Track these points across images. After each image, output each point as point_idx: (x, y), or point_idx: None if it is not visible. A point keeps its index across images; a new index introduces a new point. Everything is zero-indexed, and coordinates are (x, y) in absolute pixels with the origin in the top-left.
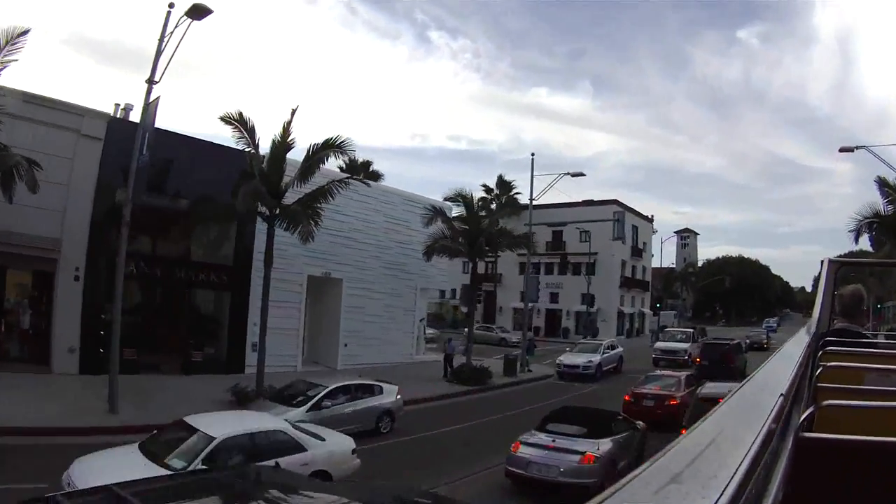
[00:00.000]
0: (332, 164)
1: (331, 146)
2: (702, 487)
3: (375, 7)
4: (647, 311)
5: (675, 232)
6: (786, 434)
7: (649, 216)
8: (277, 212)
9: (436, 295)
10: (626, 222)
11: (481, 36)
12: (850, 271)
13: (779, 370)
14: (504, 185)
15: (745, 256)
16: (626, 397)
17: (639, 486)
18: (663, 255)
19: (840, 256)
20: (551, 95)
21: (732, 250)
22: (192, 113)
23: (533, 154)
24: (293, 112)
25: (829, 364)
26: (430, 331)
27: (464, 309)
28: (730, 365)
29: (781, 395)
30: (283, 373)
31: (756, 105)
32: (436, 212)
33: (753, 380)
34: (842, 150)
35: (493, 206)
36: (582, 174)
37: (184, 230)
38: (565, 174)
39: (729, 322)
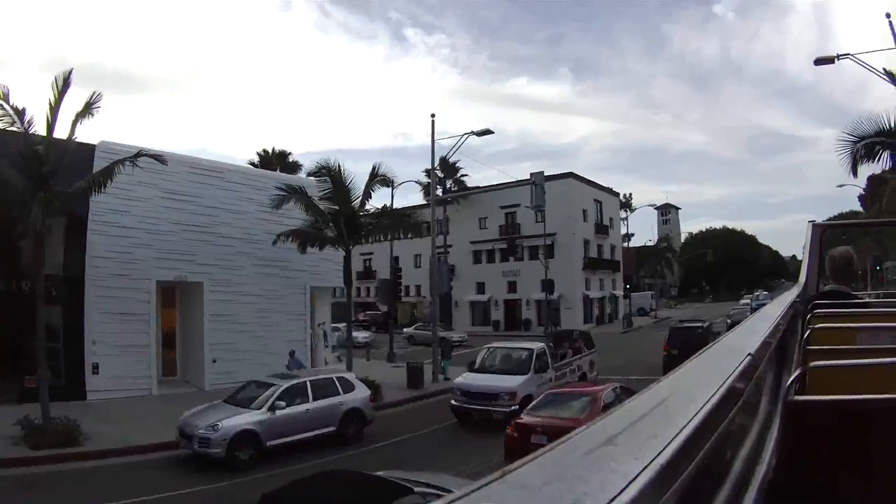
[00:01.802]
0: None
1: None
2: (637, 448)
3: (349, 9)
4: (620, 293)
5: (654, 208)
6: (776, 398)
7: (617, 191)
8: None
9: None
10: (570, 191)
11: (457, 30)
12: (841, 234)
13: (751, 331)
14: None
15: (731, 228)
16: (509, 429)
17: (569, 448)
18: (651, 233)
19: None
20: (531, 84)
21: (722, 224)
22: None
23: (433, 115)
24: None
25: (818, 326)
26: (363, 334)
27: (382, 307)
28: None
29: (749, 354)
30: (133, 398)
31: (737, 79)
32: (291, 191)
33: (721, 342)
34: (817, 61)
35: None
36: (489, 132)
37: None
38: (470, 133)
39: (718, 298)
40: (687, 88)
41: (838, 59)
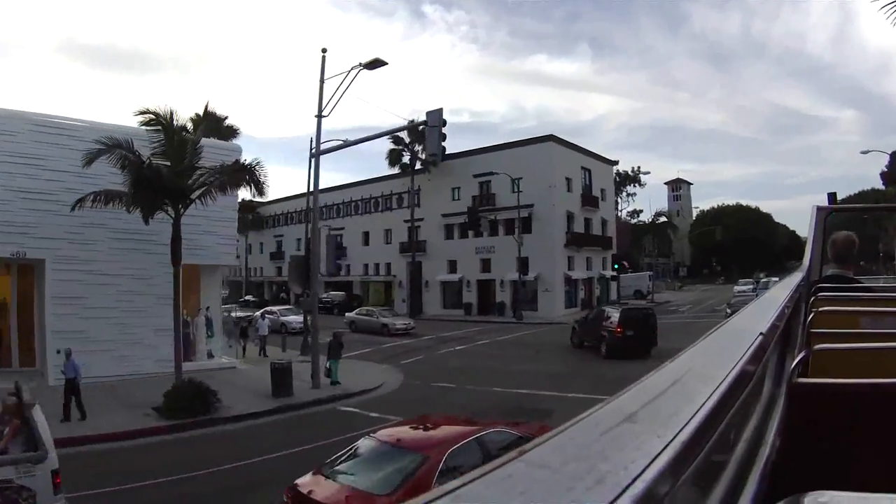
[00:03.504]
0: None
1: None
2: (659, 426)
3: None
4: (612, 273)
5: (664, 183)
6: (780, 381)
7: (613, 159)
8: None
9: (230, 273)
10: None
11: (476, 6)
12: (846, 218)
13: (761, 312)
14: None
15: (744, 204)
16: (286, 494)
17: (588, 426)
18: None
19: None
20: (550, 61)
21: (737, 202)
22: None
23: (325, 50)
24: None
25: (821, 309)
26: (297, 318)
27: (296, 290)
28: (654, 333)
29: (761, 334)
30: None
31: (757, 58)
32: (111, 145)
33: (731, 322)
34: None
35: None
36: (382, 63)
37: None
38: (359, 66)
39: (730, 279)
40: (706, 67)
41: None
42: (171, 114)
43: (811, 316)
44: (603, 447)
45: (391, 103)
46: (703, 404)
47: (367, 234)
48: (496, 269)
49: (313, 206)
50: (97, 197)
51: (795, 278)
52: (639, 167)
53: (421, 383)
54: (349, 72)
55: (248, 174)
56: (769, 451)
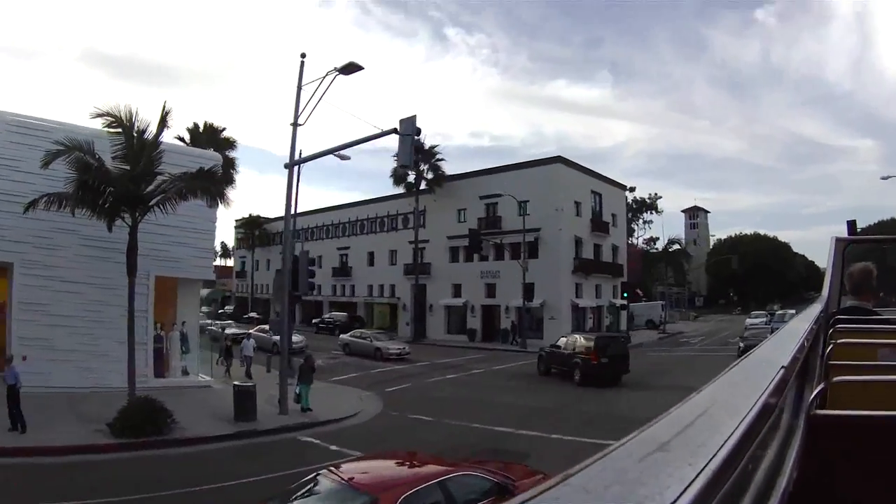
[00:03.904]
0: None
1: None
2: (689, 455)
3: (389, 7)
4: (623, 302)
5: (682, 210)
6: (798, 412)
7: (624, 184)
8: None
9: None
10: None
11: (497, 30)
12: (865, 249)
13: (782, 344)
14: None
15: (762, 233)
16: None
17: (623, 454)
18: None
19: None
20: (570, 86)
21: (754, 231)
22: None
23: (304, 55)
24: None
25: (839, 341)
26: (297, 338)
27: (276, 308)
28: (626, 361)
29: (783, 367)
30: None
31: (775, 85)
32: (69, 146)
33: (754, 354)
34: None
35: None
36: (358, 67)
37: None
38: (335, 71)
39: (747, 310)
40: (725, 94)
41: None
42: (132, 115)
43: (829, 348)
44: (640, 473)
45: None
46: (731, 435)
47: (371, 255)
48: (501, 295)
49: (286, 222)
50: (50, 199)
51: (814, 310)
52: (656, 193)
53: (398, 414)
54: (324, 78)
55: (208, 182)
56: (786, 482)
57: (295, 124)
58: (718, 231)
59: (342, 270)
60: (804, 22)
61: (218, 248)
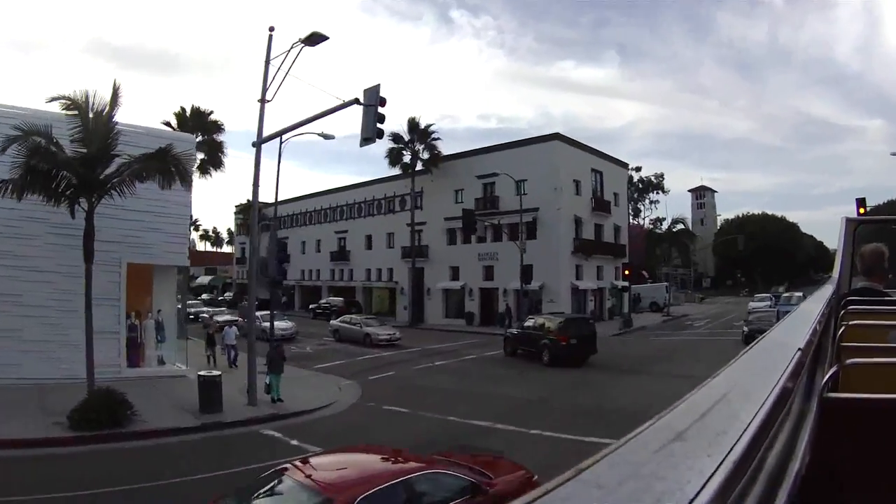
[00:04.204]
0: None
1: None
2: (708, 445)
3: None
4: (625, 284)
5: (688, 190)
6: (810, 395)
7: (626, 161)
8: None
9: (238, 276)
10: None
11: (503, 12)
12: (876, 229)
13: (796, 326)
14: None
15: (770, 213)
16: None
17: (639, 444)
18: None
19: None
20: (578, 67)
21: (762, 211)
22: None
23: (272, 28)
24: None
25: (851, 323)
26: (285, 324)
27: (259, 293)
28: (594, 342)
29: (799, 349)
30: None
31: (784, 66)
32: (27, 131)
33: (769, 337)
34: None
35: None
36: (322, 37)
37: None
38: (301, 43)
39: (755, 291)
40: (733, 74)
41: None
42: (87, 97)
43: (841, 330)
44: (657, 466)
45: (419, 107)
46: (750, 423)
47: (369, 238)
48: (499, 278)
49: (253, 202)
50: (2, 186)
51: (826, 291)
52: (661, 173)
53: (374, 405)
54: (289, 50)
55: (164, 163)
56: (799, 465)
57: (263, 101)
58: (727, 212)
59: (340, 254)
60: (811, 3)
61: (225, 234)
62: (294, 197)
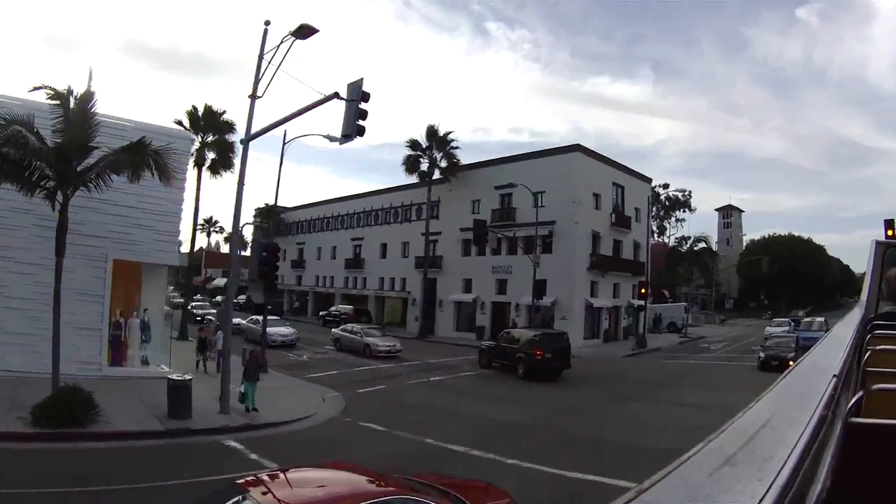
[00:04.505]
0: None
1: None
2: (757, 470)
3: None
4: (643, 302)
5: (715, 209)
6: (835, 419)
7: (649, 176)
8: None
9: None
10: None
11: (539, 25)
12: None
13: (831, 352)
14: None
15: (796, 235)
16: None
17: (693, 467)
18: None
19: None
20: (612, 83)
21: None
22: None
23: (268, 22)
24: None
25: (877, 348)
26: (287, 330)
27: (255, 298)
28: (568, 356)
29: (834, 376)
30: None
31: (818, 85)
32: (9, 120)
33: (805, 361)
34: None
35: None
36: (313, 30)
37: None
38: (291, 38)
39: (776, 314)
40: (767, 93)
41: None
42: (70, 88)
43: (867, 355)
44: (711, 489)
45: (452, 118)
46: (794, 447)
47: (384, 246)
48: (512, 292)
49: (237, 203)
50: None
51: (855, 315)
52: (689, 191)
53: (352, 420)
54: (279, 45)
55: (139, 156)
56: (820, 488)
57: (253, 97)
58: (756, 232)
59: (355, 262)
60: (846, 21)
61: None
62: (312, 202)
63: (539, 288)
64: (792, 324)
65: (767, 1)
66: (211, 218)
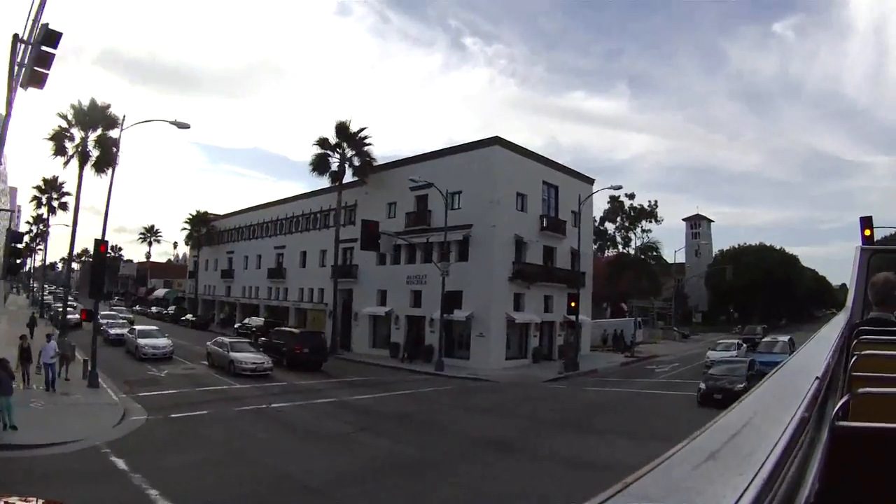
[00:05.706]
0: None
1: None
2: (738, 465)
3: (408, 15)
4: (585, 318)
5: (682, 219)
6: (822, 423)
7: (591, 177)
8: None
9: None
10: None
11: (516, 40)
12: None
13: (815, 353)
14: None
15: (767, 244)
16: None
17: (677, 462)
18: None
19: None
20: (588, 98)
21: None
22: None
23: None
24: None
25: (863, 353)
26: (162, 342)
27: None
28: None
29: (817, 377)
30: None
31: (794, 100)
32: None
33: (790, 362)
34: None
35: None
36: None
37: None
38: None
39: (745, 329)
40: (743, 108)
41: None
42: None
43: (853, 359)
44: (695, 482)
45: (427, 132)
46: (776, 444)
47: (304, 255)
48: (427, 304)
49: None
50: None
51: (839, 320)
52: (655, 201)
53: (109, 452)
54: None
55: None
56: (808, 492)
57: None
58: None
59: (278, 272)
60: (822, 37)
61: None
62: (242, 209)
63: (452, 300)
64: (743, 345)
65: (745, 15)
66: (152, 227)
